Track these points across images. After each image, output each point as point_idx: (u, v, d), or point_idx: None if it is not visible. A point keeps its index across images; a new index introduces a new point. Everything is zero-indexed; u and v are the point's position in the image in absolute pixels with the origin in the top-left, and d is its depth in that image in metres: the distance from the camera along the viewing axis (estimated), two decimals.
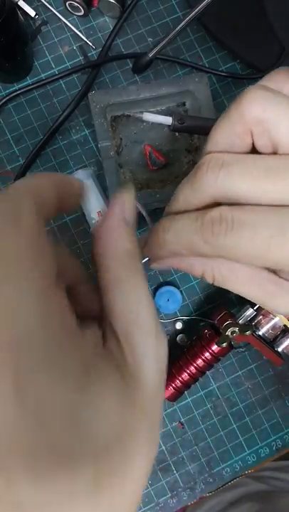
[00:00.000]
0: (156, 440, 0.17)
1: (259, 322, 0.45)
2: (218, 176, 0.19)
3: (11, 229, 0.16)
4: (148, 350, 0.18)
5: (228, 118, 0.20)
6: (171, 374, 0.46)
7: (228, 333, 0.43)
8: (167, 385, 0.46)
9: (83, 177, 0.47)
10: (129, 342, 0.18)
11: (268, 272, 0.20)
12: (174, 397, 0.46)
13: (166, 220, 0.21)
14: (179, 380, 0.45)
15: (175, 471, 0.48)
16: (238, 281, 0.21)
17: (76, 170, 0.49)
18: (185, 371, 0.45)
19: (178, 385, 0.45)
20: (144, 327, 0.18)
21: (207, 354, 0.44)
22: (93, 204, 0.46)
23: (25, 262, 0.16)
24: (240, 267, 0.20)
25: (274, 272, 0.20)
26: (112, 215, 0.20)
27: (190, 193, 0.21)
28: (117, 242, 0.19)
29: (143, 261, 0.24)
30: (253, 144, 0.20)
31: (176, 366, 0.46)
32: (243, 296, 0.21)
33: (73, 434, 0.14)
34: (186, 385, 0.46)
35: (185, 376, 0.45)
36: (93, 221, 0.47)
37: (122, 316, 0.18)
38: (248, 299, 0.21)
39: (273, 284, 0.20)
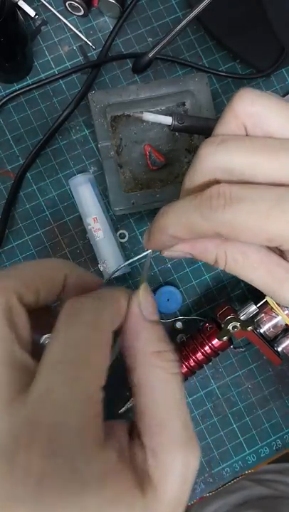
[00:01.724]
0: None
1: (261, 320, 0.45)
2: (216, 150, 0.20)
3: None
4: (175, 464, 0.17)
5: (223, 117, 0.21)
6: None
7: (230, 327, 0.42)
8: None
9: (82, 181, 0.47)
10: (156, 452, 0.17)
11: (278, 257, 0.21)
12: None
13: (166, 205, 0.21)
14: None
15: None
16: (250, 265, 0.21)
17: (76, 170, 0.49)
18: (183, 363, 0.45)
19: None
20: (174, 437, 0.17)
21: (207, 348, 0.44)
22: (90, 209, 0.46)
23: None
24: (253, 250, 0.21)
25: (283, 258, 0.21)
26: (131, 317, 0.19)
27: (192, 173, 0.21)
28: (143, 342, 0.19)
29: (146, 253, 0.24)
30: None
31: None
32: (253, 283, 0.21)
33: None
34: (184, 378, 0.45)
35: (183, 368, 0.45)
36: (89, 227, 0.46)
37: (149, 421, 0.17)
38: (258, 287, 0.21)
39: (283, 269, 0.20)
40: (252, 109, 0.20)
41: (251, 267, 0.21)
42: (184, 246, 0.22)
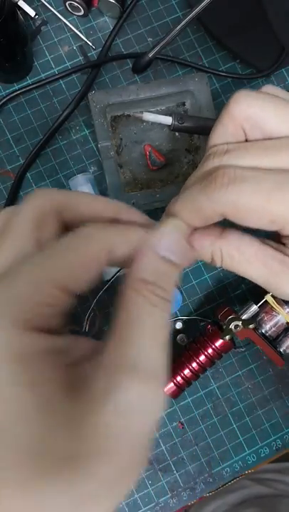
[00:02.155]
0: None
1: (262, 320, 0.45)
2: (222, 158, 0.20)
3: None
4: (121, 389, 0.15)
5: (220, 121, 0.22)
6: (173, 371, 0.45)
7: (232, 326, 0.43)
8: (168, 382, 0.45)
9: (82, 182, 0.46)
10: (109, 372, 0.15)
11: (273, 250, 0.21)
12: (175, 394, 0.46)
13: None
14: (181, 376, 0.45)
15: (175, 471, 0.48)
16: (245, 260, 0.21)
17: (76, 170, 0.49)
18: (187, 367, 0.45)
19: (180, 381, 0.45)
20: (131, 365, 0.16)
21: (210, 350, 0.44)
22: None
23: None
24: (247, 245, 0.21)
25: (280, 250, 0.21)
26: (144, 240, 0.18)
27: (198, 171, 0.22)
28: (137, 270, 0.18)
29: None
30: (247, 140, 0.22)
31: (178, 362, 0.46)
32: (252, 278, 0.21)
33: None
34: (188, 382, 0.45)
35: (188, 373, 0.45)
36: None
37: (114, 347, 0.16)
38: (256, 281, 0.21)
39: (279, 262, 0.21)
40: (249, 111, 0.20)
41: (247, 262, 0.21)
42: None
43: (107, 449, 0.14)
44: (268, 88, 0.22)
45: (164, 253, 0.18)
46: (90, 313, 0.31)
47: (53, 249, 0.17)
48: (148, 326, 0.16)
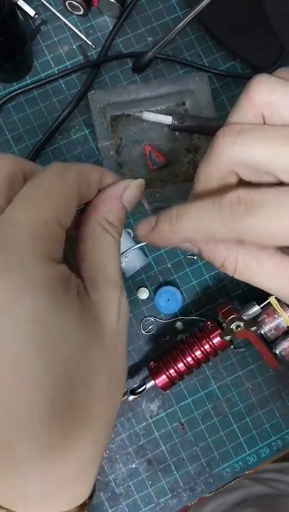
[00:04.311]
0: (117, 382, 0.19)
1: (263, 321, 0.45)
2: (235, 142, 0.19)
3: None
4: (111, 295, 0.19)
5: (240, 105, 0.20)
6: (166, 362, 0.44)
7: (233, 326, 0.42)
8: (161, 374, 0.44)
9: None
10: (95, 285, 0.19)
11: None
12: (167, 387, 0.45)
13: (179, 206, 0.21)
14: (174, 369, 0.44)
15: (175, 472, 0.47)
16: (265, 272, 0.20)
17: None
18: (181, 360, 0.44)
19: (172, 374, 0.44)
20: (109, 277, 0.20)
21: (207, 346, 0.43)
22: None
23: None
24: (267, 256, 0.20)
25: None
26: (109, 187, 0.22)
27: (208, 167, 0.20)
28: (107, 212, 0.21)
29: (139, 246, 0.25)
30: None
31: (172, 355, 0.44)
32: (267, 290, 0.20)
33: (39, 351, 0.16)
34: (180, 376, 0.44)
35: (181, 366, 0.44)
36: None
37: (91, 264, 0.20)
38: (272, 293, 0.21)
39: None
40: (270, 97, 0.19)
41: (267, 274, 0.20)
42: (192, 247, 0.22)
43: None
44: (284, 73, 0.20)
45: (126, 203, 0.22)
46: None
47: (42, 190, 0.19)
48: (112, 252, 0.21)
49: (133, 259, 0.46)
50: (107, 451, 0.47)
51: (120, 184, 0.22)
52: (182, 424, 0.48)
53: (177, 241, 0.21)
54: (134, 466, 0.47)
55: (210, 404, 0.49)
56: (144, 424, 0.48)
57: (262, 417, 0.49)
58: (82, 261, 0.20)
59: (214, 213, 0.19)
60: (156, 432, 0.48)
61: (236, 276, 0.21)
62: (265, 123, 0.20)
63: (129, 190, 0.22)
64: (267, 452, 0.49)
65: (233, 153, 0.19)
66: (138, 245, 0.25)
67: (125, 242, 0.46)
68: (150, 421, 0.48)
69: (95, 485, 0.20)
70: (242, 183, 0.21)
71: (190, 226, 0.20)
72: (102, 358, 0.18)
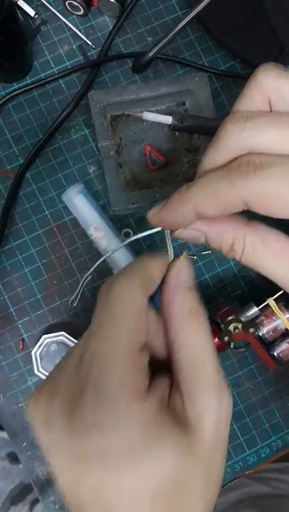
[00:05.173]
0: (214, 486, 0.20)
1: (261, 322, 0.44)
2: (244, 127, 0.19)
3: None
4: (209, 404, 0.19)
5: (247, 91, 0.21)
6: None
7: (231, 328, 0.42)
8: None
9: (73, 194, 0.46)
10: (191, 396, 0.19)
11: None
12: None
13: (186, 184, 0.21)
14: None
15: None
16: (271, 255, 0.20)
17: (76, 170, 0.49)
18: None
19: None
20: (206, 381, 0.20)
21: None
22: (88, 220, 0.46)
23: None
24: (273, 238, 0.20)
25: None
26: (170, 279, 0.22)
27: (214, 153, 0.20)
28: (180, 301, 0.21)
29: (155, 230, 0.24)
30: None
31: None
32: (271, 276, 0.20)
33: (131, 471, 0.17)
34: None
35: None
36: (92, 237, 0.46)
37: (185, 369, 0.20)
38: (275, 280, 0.20)
39: None
40: (277, 82, 0.20)
41: (272, 257, 0.20)
42: (201, 224, 0.22)
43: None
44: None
45: (187, 284, 0.22)
46: (88, 277, 0.32)
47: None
48: (208, 347, 0.21)
49: (119, 260, 0.46)
50: None
51: (173, 272, 0.22)
52: None
53: (186, 216, 0.21)
54: None
55: None
56: None
57: (262, 417, 0.49)
58: (176, 369, 0.20)
59: (223, 174, 0.19)
60: None
61: (243, 261, 0.21)
62: (271, 108, 0.20)
63: (183, 271, 0.22)
64: (267, 452, 0.49)
65: (242, 138, 0.19)
66: (152, 231, 0.24)
67: (116, 243, 0.46)
68: None
69: None
70: None
71: (199, 191, 0.20)
72: (199, 473, 0.19)
